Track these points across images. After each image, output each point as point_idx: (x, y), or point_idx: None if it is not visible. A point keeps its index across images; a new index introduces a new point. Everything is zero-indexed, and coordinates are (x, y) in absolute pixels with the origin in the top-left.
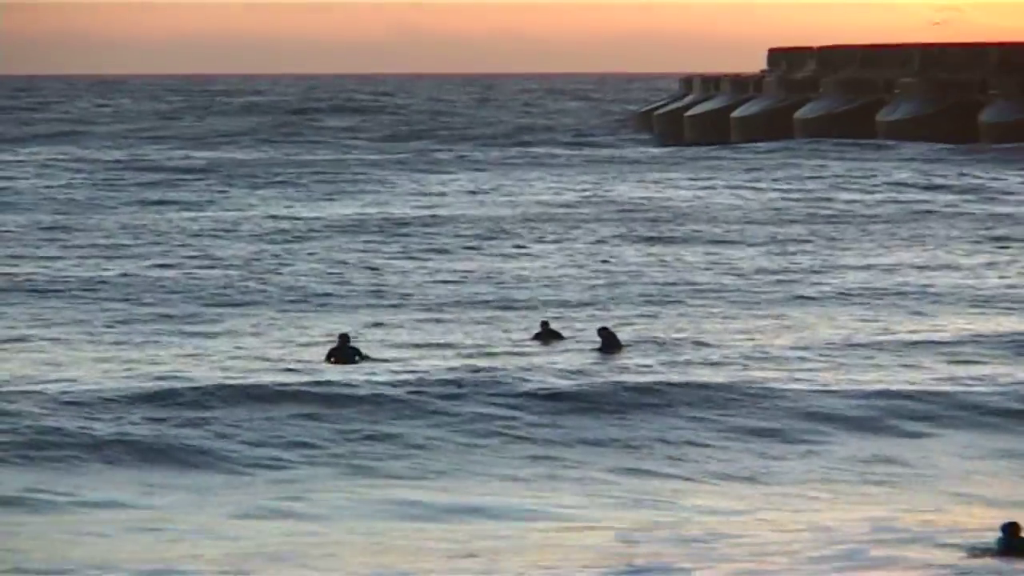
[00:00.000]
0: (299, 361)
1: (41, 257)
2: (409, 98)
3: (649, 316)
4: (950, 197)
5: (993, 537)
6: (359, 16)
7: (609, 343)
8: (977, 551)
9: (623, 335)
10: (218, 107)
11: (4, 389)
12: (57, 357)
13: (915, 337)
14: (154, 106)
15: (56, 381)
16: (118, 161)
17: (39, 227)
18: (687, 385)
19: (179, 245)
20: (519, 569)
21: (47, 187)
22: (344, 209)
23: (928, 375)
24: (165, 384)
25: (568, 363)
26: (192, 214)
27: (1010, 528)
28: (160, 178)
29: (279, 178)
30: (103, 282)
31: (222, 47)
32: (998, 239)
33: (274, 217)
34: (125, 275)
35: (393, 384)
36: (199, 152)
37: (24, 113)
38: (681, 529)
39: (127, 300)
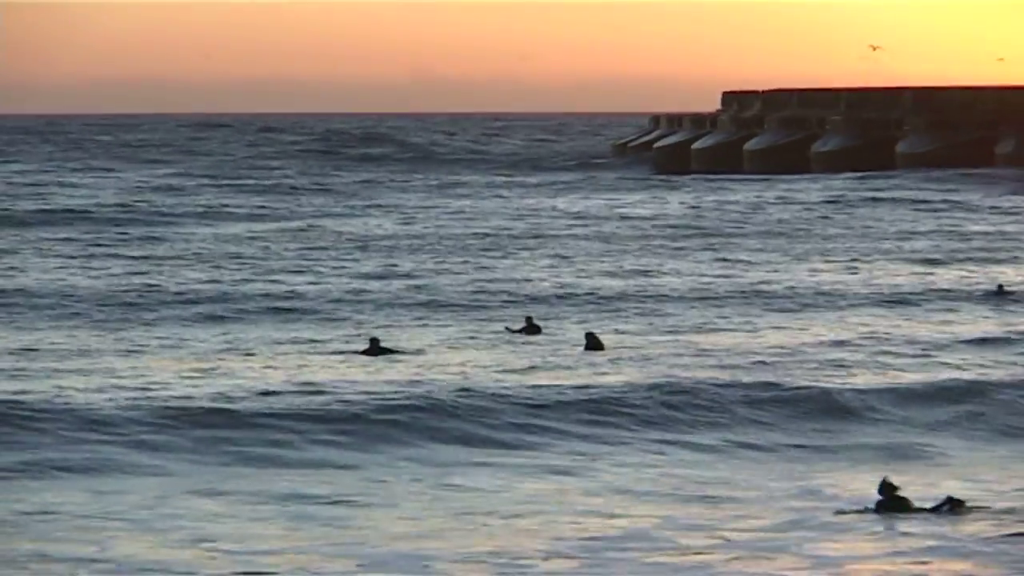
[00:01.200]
0: (341, 362)
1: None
2: (425, 133)
3: (624, 317)
4: (864, 211)
5: (873, 496)
6: (384, 62)
7: (592, 344)
8: (862, 508)
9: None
10: (260, 140)
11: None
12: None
13: (840, 336)
14: (215, 137)
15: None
16: (204, 184)
17: (133, 239)
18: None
19: (234, 258)
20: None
21: (135, 203)
22: (371, 223)
23: (853, 366)
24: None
25: (563, 361)
26: (250, 225)
27: (887, 488)
28: (229, 196)
29: (323, 197)
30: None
31: (271, 89)
32: (907, 242)
33: (319, 232)
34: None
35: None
36: (254, 177)
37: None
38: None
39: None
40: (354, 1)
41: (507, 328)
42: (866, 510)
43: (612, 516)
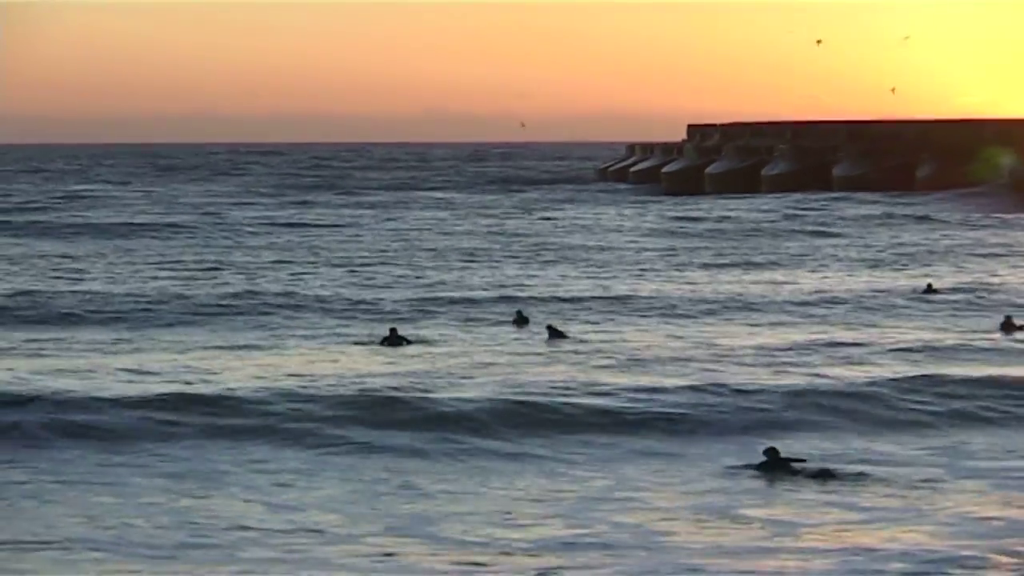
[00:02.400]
0: (364, 350)
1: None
2: (436, 159)
3: (594, 310)
4: (805, 223)
5: (760, 459)
6: (400, 99)
7: (554, 334)
8: (751, 469)
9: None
10: (297, 162)
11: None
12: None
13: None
14: (259, 161)
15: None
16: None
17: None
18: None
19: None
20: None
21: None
22: (390, 233)
23: (796, 362)
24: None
25: (536, 348)
26: (295, 233)
27: (771, 451)
28: (275, 210)
29: (349, 210)
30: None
31: (309, 121)
32: (841, 249)
33: (343, 251)
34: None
35: (421, 364)
36: (285, 199)
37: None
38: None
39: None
40: (374, 46)
41: (499, 322)
42: (750, 466)
43: (585, 480)
